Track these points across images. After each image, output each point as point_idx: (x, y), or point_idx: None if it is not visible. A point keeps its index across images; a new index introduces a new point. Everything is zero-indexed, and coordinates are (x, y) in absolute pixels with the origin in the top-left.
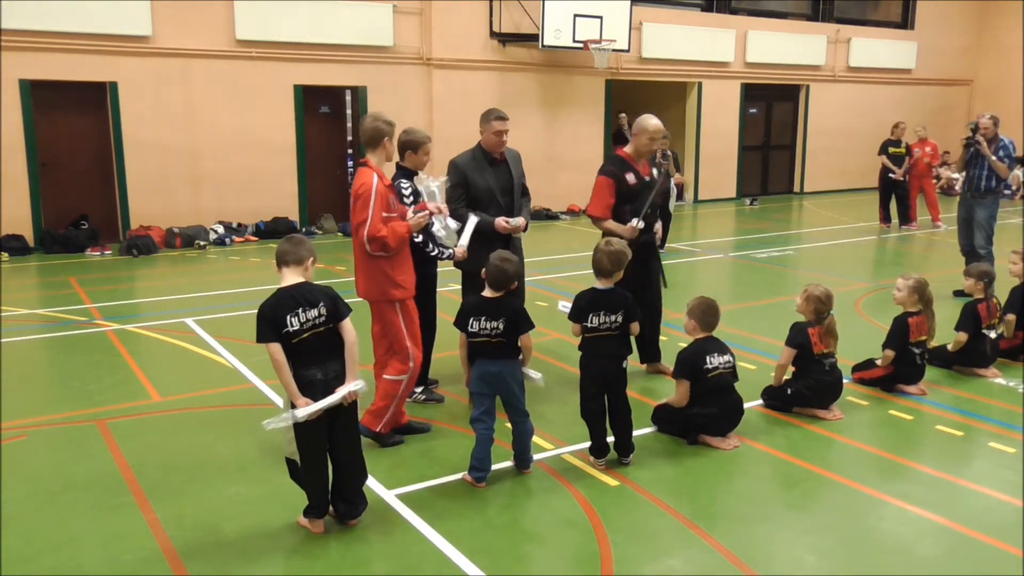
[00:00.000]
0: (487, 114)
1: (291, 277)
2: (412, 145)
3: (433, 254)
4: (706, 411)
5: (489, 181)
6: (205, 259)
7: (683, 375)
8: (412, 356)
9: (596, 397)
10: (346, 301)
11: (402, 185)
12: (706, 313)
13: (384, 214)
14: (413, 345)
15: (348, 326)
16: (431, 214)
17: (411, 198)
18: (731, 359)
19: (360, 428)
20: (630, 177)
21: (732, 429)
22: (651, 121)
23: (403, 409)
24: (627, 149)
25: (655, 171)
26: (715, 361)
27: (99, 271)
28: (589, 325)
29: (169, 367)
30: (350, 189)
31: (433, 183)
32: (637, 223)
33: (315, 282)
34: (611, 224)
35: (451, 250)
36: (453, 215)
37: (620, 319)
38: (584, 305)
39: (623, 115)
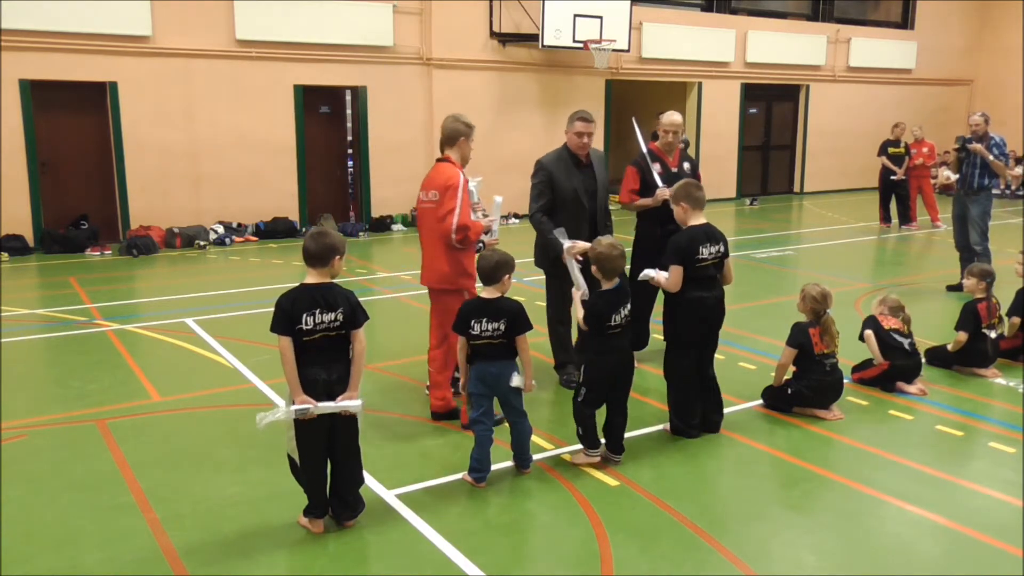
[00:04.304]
0: (572, 115)
1: (316, 276)
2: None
3: None
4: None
5: (575, 183)
6: (205, 259)
7: (676, 260)
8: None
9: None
10: (364, 308)
11: None
12: (690, 191)
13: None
14: None
15: (360, 334)
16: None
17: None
18: (720, 248)
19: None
20: (656, 167)
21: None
22: (665, 117)
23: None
24: (657, 143)
25: (685, 164)
26: (705, 252)
27: (99, 271)
28: (612, 324)
29: (169, 367)
30: (423, 180)
31: (470, 182)
32: (662, 190)
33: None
34: (639, 201)
35: (482, 242)
36: (539, 226)
37: (628, 313)
38: (603, 307)
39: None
